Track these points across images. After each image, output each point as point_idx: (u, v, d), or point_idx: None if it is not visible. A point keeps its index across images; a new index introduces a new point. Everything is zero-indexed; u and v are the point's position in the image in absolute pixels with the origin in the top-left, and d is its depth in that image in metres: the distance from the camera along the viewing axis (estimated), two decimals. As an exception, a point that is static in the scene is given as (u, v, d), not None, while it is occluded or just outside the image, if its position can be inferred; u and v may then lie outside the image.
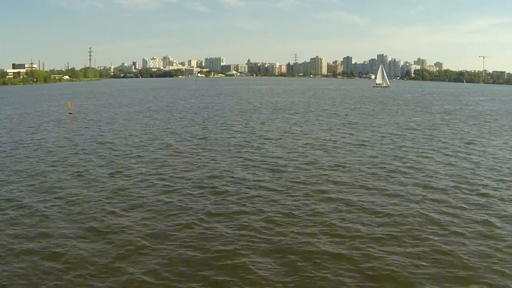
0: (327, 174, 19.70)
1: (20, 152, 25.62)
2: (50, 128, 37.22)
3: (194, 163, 22.07)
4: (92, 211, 14.66)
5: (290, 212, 14.50)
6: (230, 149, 26.13)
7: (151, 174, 19.71)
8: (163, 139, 30.15)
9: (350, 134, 32.92)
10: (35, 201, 15.72)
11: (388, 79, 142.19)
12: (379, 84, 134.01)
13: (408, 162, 22.46)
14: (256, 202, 15.66)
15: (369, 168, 21.01)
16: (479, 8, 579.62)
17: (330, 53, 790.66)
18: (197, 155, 24.41)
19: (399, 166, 21.37)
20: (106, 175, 19.58)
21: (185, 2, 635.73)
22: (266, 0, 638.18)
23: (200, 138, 30.55)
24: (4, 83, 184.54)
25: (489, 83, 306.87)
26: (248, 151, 25.37)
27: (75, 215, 14.36)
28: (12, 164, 22.26)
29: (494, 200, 15.82)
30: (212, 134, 32.58)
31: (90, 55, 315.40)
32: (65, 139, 30.74)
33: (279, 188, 17.38)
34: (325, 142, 28.91)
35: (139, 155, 24.26)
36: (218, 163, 22.17)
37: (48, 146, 27.60)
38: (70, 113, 49.70)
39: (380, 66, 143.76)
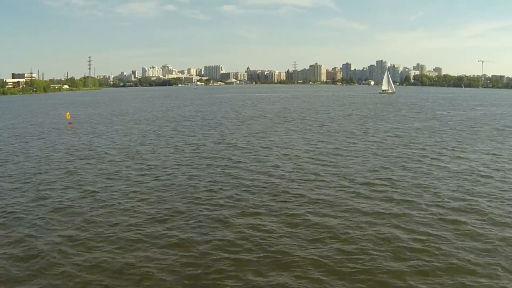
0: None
1: (20, 160, 25.46)
2: (50, 137, 36.62)
3: (186, 173, 21.60)
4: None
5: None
6: (219, 158, 25.67)
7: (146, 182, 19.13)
8: (157, 149, 29.69)
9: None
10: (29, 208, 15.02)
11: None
12: (385, 90, 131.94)
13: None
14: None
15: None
16: (478, 13, 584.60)
17: (329, 60, 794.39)
18: (190, 164, 24.05)
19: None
20: (106, 185, 19.09)
21: (185, 10, 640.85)
22: (265, 8, 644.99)
23: (192, 148, 29.95)
24: (3, 93, 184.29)
25: (488, 87, 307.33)
26: (242, 160, 24.87)
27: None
28: (10, 171, 22.33)
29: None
30: (202, 143, 32.02)
31: (89, 64, 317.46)
32: (65, 148, 30.33)
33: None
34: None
35: (134, 164, 23.96)
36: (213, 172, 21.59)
37: (47, 155, 27.32)
38: (69, 123, 49.08)
39: (386, 72, 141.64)
